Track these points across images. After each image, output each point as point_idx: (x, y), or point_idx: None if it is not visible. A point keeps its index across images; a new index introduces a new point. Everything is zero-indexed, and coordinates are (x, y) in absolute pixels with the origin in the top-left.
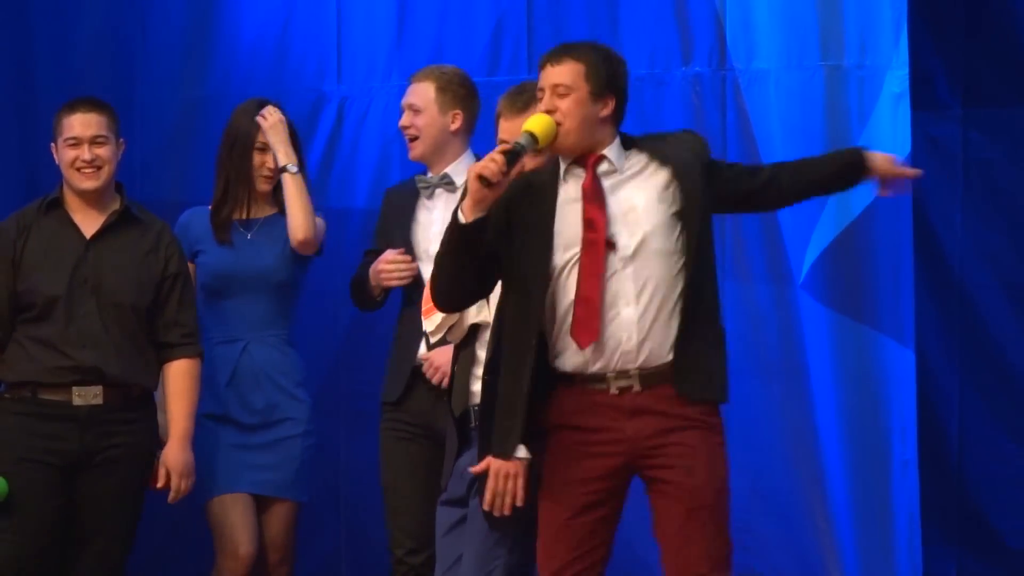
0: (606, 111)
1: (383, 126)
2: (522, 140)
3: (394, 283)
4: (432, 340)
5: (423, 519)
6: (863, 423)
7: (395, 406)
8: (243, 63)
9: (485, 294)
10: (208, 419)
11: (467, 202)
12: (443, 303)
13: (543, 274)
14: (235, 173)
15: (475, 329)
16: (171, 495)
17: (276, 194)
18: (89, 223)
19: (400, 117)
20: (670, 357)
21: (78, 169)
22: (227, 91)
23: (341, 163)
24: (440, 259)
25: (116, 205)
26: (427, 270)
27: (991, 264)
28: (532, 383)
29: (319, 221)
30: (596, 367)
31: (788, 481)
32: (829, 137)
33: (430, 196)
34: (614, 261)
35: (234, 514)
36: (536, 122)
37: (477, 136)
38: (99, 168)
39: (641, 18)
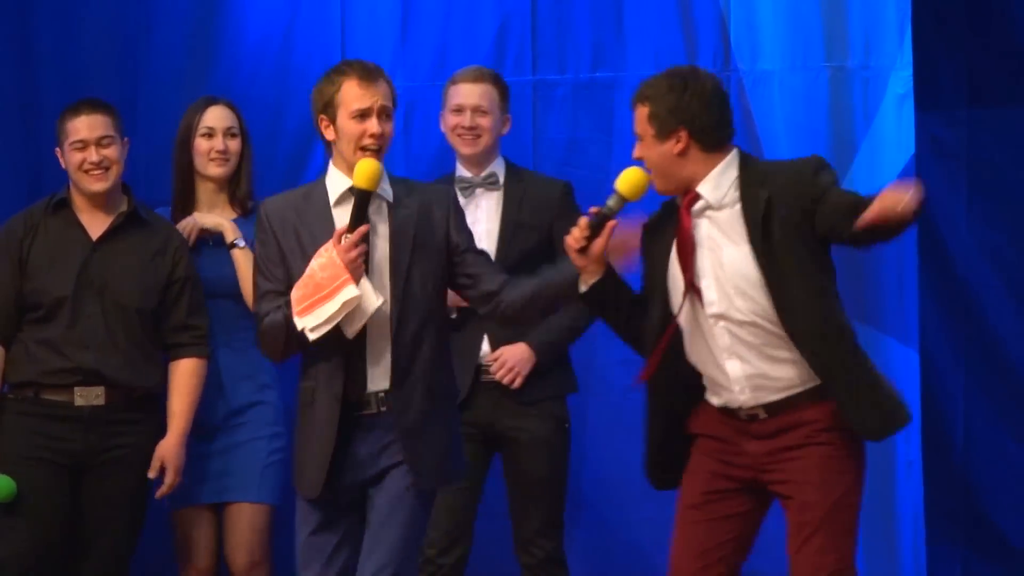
0: (679, 146)
1: None
2: (610, 203)
3: (466, 304)
4: (313, 336)
5: (461, 518)
6: None
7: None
8: (247, 63)
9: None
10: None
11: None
12: (633, 347)
13: (664, 315)
14: (181, 165)
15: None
16: (163, 488)
17: (236, 194)
18: (96, 224)
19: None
20: (795, 389)
21: (86, 171)
22: (231, 91)
23: None
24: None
25: (123, 207)
26: None
27: (996, 264)
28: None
29: None
30: (721, 403)
31: None
32: (833, 138)
33: (469, 195)
34: (704, 312)
35: (192, 529)
36: (623, 179)
37: None
38: (107, 169)
39: (646, 19)
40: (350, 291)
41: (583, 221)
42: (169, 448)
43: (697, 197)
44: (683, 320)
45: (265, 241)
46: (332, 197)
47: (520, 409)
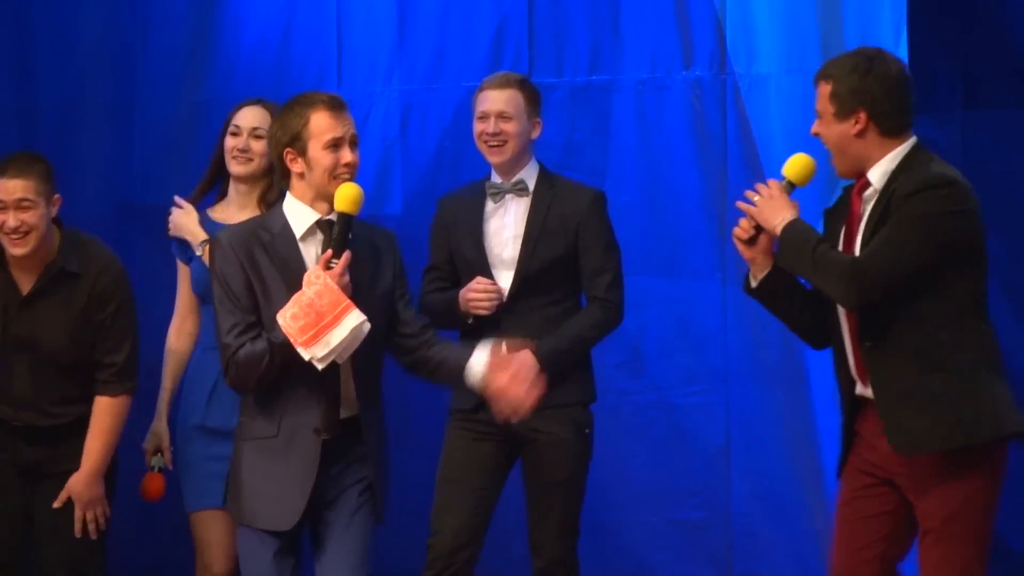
0: (858, 127)
1: (384, 130)
2: (782, 185)
3: (484, 312)
4: (322, 365)
5: (474, 518)
6: None
7: (470, 412)
8: (244, 67)
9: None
10: (192, 430)
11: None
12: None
13: None
14: (212, 160)
15: None
16: (76, 526)
17: (266, 197)
18: (26, 279)
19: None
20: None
21: (6, 234)
22: (228, 95)
23: None
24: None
25: (54, 256)
26: (500, 277)
27: (991, 267)
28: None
29: None
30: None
31: (789, 485)
32: None
33: (498, 201)
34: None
35: (208, 532)
36: (790, 165)
37: None
38: (26, 234)
39: (642, 22)
40: (355, 317)
41: (746, 219)
42: (78, 483)
43: (868, 184)
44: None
45: (234, 273)
46: (298, 231)
47: (539, 412)
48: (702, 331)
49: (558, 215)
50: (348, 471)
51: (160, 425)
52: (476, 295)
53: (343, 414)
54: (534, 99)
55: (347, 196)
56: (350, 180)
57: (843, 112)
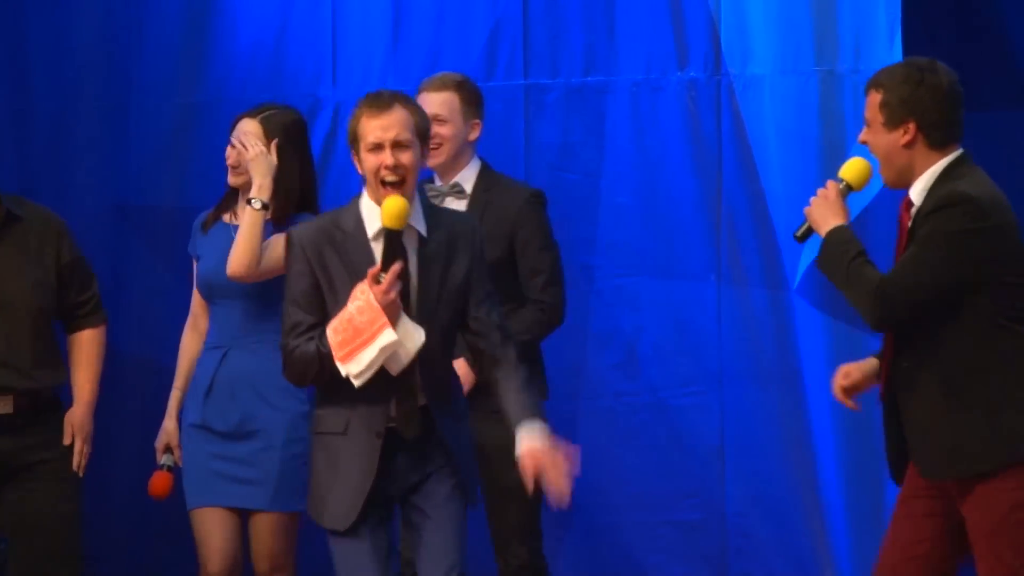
0: (906, 138)
1: None
2: (840, 188)
3: None
4: (358, 382)
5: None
6: (858, 428)
7: None
8: (239, 68)
9: None
10: (192, 428)
11: None
12: None
13: None
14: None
15: None
16: (75, 459)
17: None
18: None
19: None
20: None
21: None
22: (223, 96)
23: (336, 168)
24: None
25: None
26: None
27: None
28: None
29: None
30: None
31: (784, 486)
32: (824, 142)
33: (440, 204)
34: None
35: (206, 530)
36: (848, 168)
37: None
38: None
39: (637, 23)
40: (387, 335)
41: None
42: (77, 416)
43: (911, 201)
44: None
45: (301, 272)
46: (370, 231)
47: (487, 416)
48: (697, 332)
49: (494, 217)
50: (429, 457)
51: (170, 424)
52: None
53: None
54: (472, 100)
55: (389, 212)
56: (397, 184)
57: (892, 122)
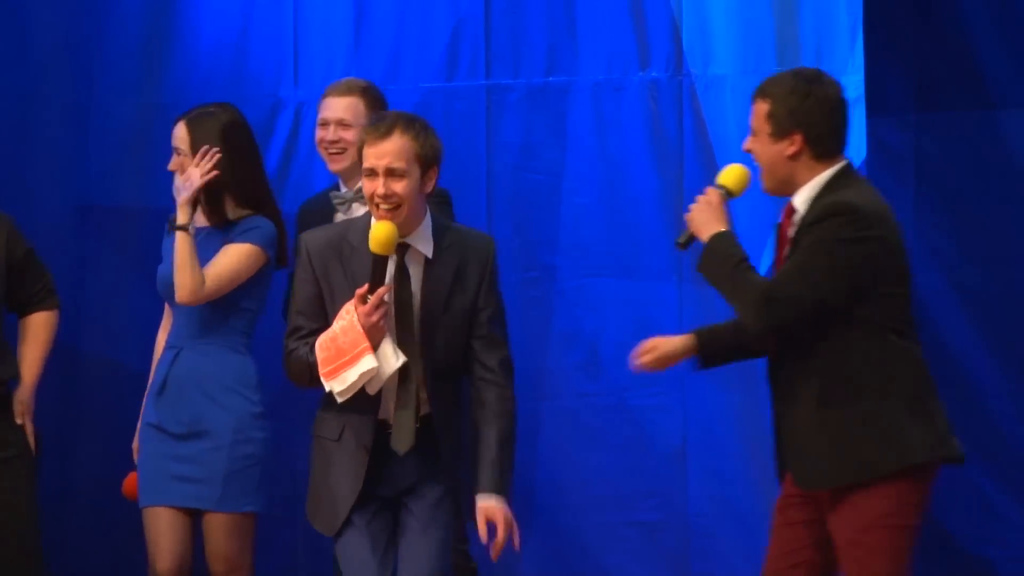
0: (792, 149)
1: None
2: (718, 195)
3: None
4: (341, 399)
5: None
6: None
7: None
8: (201, 69)
9: None
10: (147, 427)
11: None
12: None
13: None
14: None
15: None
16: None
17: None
18: None
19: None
20: None
21: None
22: (185, 97)
23: (298, 168)
24: None
25: None
26: None
27: (944, 269)
28: None
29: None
30: None
31: (746, 486)
32: None
33: (346, 211)
34: None
35: (156, 529)
36: (726, 174)
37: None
38: None
39: (599, 24)
40: (367, 362)
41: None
42: (26, 393)
43: (794, 209)
44: None
45: (306, 280)
46: None
47: None
48: (659, 332)
49: None
50: (426, 463)
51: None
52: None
53: (406, 435)
54: (377, 105)
55: (375, 237)
56: (386, 210)
57: (779, 132)
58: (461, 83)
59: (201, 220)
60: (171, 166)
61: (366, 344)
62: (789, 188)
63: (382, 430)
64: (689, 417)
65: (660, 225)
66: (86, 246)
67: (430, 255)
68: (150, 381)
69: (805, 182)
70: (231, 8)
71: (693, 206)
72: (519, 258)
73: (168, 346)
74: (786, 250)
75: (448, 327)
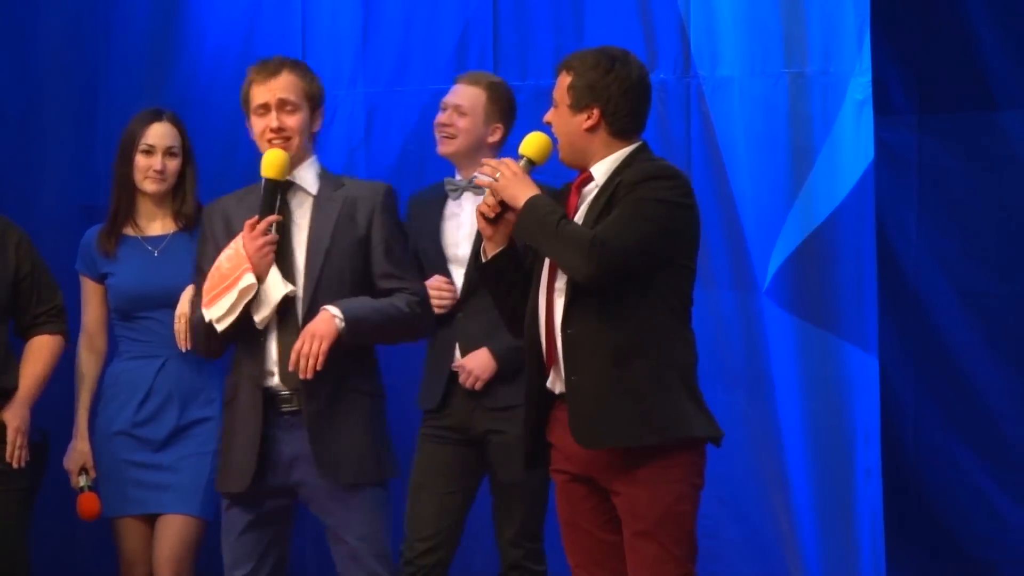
0: (589, 123)
1: (348, 133)
2: (521, 163)
3: (438, 311)
4: (220, 327)
5: (445, 521)
6: (827, 430)
7: (435, 413)
8: (207, 71)
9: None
10: (120, 435)
11: (485, 241)
12: (508, 327)
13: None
14: (121, 176)
15: (289, 302)
16: (8, 449)
17: (182, 210)
18: None
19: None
20: None
21: None
22: (191, 99)
23: None
24: (492, 295)
25: None
26: (457, 275)
27: (946, 270)
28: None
29: None
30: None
31: (752, 488)
32: (793, 144)
33: (457, 198)
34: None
35: (126, 540)
36: (528, 143)
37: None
38: None
39: (606, 25)
40: (246, 279)
41: (491, 194)
42: (14, 412)
43: (589, 178)
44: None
45: (203, 240)
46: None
47: (493, 414)
48: None
49: None
50: (308, 455)
51: (84, 444)
52: (434, 293)
53: (290, 379)
54: (500, 101)
55: (269, 161)
56: (278, 143)
57: (578, 105)
58: None
59: (168, 226)
60: (158, 167)
61: (247, 265)
62: (585, 160)
63: (268, 391)
64: None
65: None
66: None
67: (314, 192)
68: (87, 400)
69: (601, 157)
70: (238, 10)
71: (497, 179)
72: None
73: (144, 355)
74: (576, 215)
75: (339, 259)
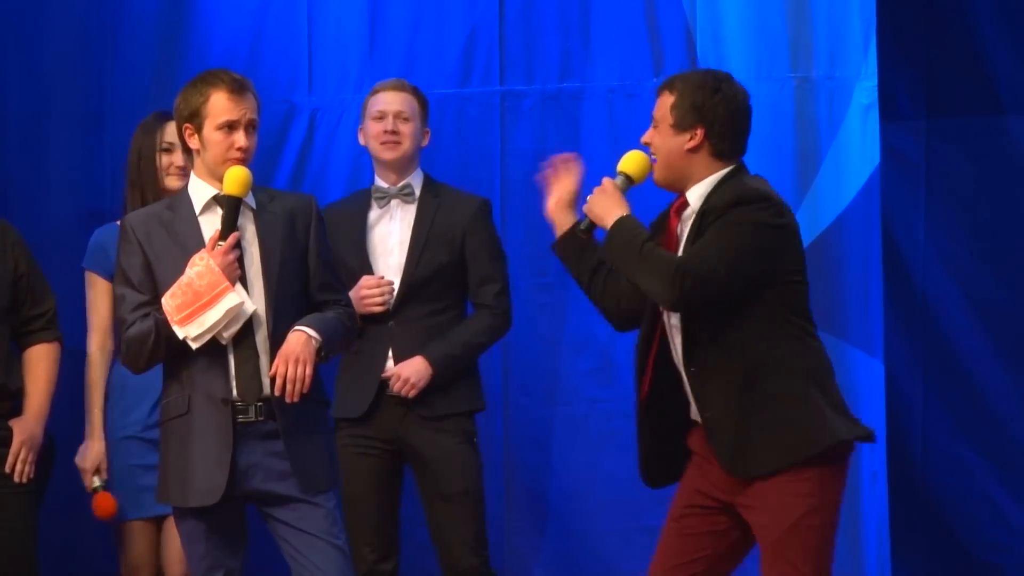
0: (692, 143)
1: (354, 137)
2: (617, 182)
3: (377, 309)
4: (196, 345)
5: (389, 529)
6: None
7: (358, 422)
8: None
9: None
10: (128, 440)
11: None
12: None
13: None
14: (145, 181)
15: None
16: (16, 464)
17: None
18: None
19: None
20: None
21: None
22: None
23: (312, 174)
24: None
25: None
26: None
27: (953, 274)
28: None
29: None
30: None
31: None
32: (799, 149)
33: (384, 205)
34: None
35: (134, 543)
36: (627, 161)
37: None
38: None
39: (613, 30)
40: (232, 299)
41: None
42: (25, 427)
43: (686, 203)
44: (667, 325)
45: (130, 252)
46: (197, 206)
47: (426, 423)
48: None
49: (444, 223)
50: (271, 461)
51: (100, 444)
52: (368, 291)
53: (253, 391)
54: (426, 107)
55: (235, 179)
56: (243, 161)
57: (682, 125)
58: (475, 89)
59: None
60: (180, 162)
61: (227, 284)
62: (682, 182)
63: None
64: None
65: None
66: None
67: (254, 206)
68: (100, 401)
69: (700, 179)
70: (245, 14)
71: (591, 197)
72: (532, 264)
73: None
74: (679, 244)
75: (291, 271)
